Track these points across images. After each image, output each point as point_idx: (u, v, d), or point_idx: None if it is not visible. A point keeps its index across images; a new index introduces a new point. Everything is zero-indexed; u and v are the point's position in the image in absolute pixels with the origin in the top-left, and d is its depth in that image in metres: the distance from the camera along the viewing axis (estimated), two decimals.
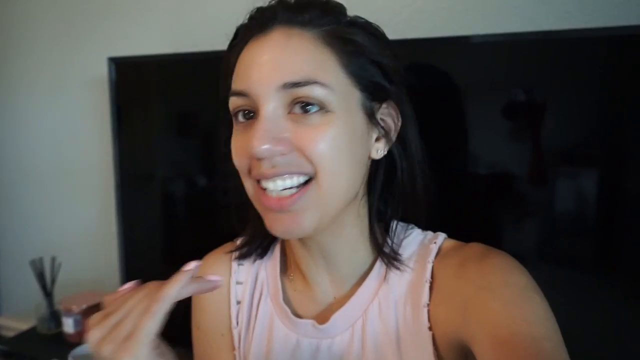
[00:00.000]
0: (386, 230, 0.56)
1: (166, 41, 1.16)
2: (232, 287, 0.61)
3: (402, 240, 0.55)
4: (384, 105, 0.51)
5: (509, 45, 0.76)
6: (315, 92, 0.45)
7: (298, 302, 0.57)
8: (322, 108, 0.46)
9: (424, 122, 0.55)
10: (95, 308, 1.17)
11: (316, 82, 0.45)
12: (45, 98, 1.36)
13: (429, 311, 0.50)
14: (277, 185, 0.46)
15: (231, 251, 0.62)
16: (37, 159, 1.40)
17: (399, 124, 0.52)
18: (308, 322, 0.54)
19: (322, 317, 0.54)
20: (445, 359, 0.49)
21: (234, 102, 0.49)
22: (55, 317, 1.24)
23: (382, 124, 0.51)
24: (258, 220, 0.54)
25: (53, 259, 1.26)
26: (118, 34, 1.23)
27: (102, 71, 1.15)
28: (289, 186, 0.46)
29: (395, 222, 0.56)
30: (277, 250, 0.61)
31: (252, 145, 0.44)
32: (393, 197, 0.54)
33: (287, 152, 0.45)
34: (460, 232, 0.56)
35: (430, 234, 0.57)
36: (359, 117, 0.49)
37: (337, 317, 0.53)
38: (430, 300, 0.50)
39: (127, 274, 1.14)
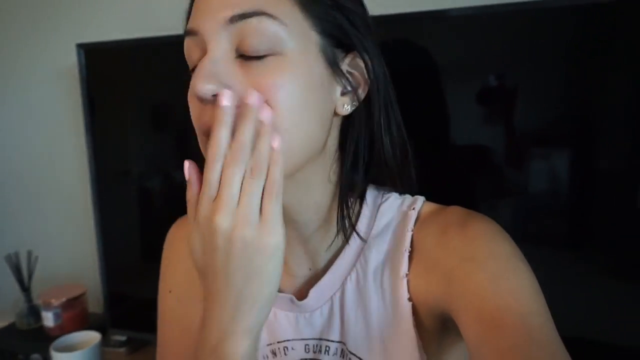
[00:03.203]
0: (361, 198, 0.52)
1: (138, 25, 1.13)
2: None
3: (379, 206, 0.52)
4: (350, 56, 0.46)
5: (464, 19, 0.76)
6: (264, 24, 0.40)
7: None
8: (274, 49, 0.41)
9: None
10: (75, 300, 1.16)
11: (265, 13, 0.40)
12: (14, 90, 1.31)
13: (408, 281, 0.48)
14: None
15: None
16: (8, 152, 1.36)
17: (369, 79, 0.47)
18: (286, 297, 0.52)
19: (300, 292, 0.53)
20: (425, 329, 0.48)
21: (186, 47, 0.44)
22: (34, 311, 1.22)
23: (348, 76, 0.46)
24: None
25: (29, 253, 1.24)
26: (87, 21, 1.19)
27: (72, 60, 1.11)
28: None
29: (370, 186, 0.53)
30: None
31: (193, 84, 0.40)
32: (362, 162, 0.50)
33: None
34: None
35: (408, 198, 0.54)
36: (319, 64, 0.43)
37: (315, 291, 0.51)
38: (410, 270, 0.48)
39: (106, 265, 1.13)
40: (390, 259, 0.50)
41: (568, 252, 0.78)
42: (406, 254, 0.49)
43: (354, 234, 0.51)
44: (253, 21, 0.40)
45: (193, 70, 0.44)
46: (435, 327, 0.48)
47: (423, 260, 0.48)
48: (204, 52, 0.42)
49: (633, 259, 0.74)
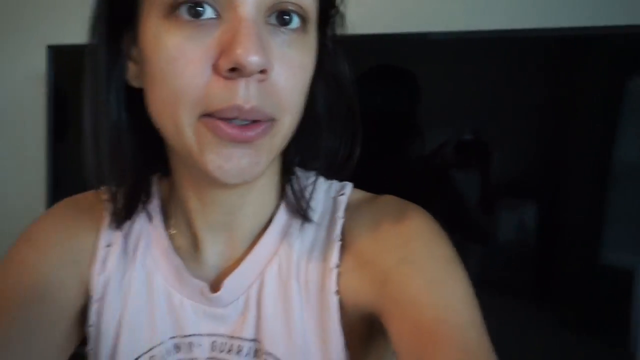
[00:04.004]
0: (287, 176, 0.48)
1: None
2: (104, 227, 0.50)
3: (303, 189, 0.48)
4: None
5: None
6: None
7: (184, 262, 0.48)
8: (305, 25, 0.38)
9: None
10: None
11: None
12: None
13: (339, 274, 0.44)
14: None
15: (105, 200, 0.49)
16: None
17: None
18: (198, 285, 0.46)
19: (214, 282, 0.47)
20: (351, 329, 0.44)
21: None
22: None
23: None
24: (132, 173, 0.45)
25: None
26: (59, 24, 1.18)
27: (43, 63, 1.08)
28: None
29: (295, 168, 0.49)
30: (155, 201, 0.51)
31: (239, 53, 0.33)
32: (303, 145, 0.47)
33: (266, 77, 0.36)
34: None
35: (336, 183, 0.50)
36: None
37: (230, 282, 0.46)
38: (340, 262, 0.44)
39: None
40: (318, 247, 0.46)
41: (529, 303, 0.79)
42: (338, 244, 0.45)
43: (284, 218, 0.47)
44: None
45: (178, 4, 0.36)
46: (363, 330, 0.45)
47: (354, 253, 0.44)
48: (215, 3, 0.36)
49: (592, 313, 0.75)
